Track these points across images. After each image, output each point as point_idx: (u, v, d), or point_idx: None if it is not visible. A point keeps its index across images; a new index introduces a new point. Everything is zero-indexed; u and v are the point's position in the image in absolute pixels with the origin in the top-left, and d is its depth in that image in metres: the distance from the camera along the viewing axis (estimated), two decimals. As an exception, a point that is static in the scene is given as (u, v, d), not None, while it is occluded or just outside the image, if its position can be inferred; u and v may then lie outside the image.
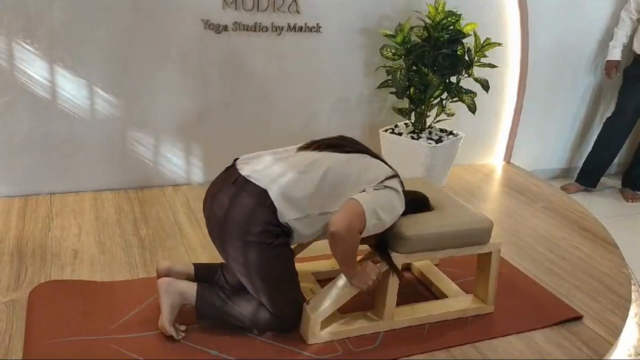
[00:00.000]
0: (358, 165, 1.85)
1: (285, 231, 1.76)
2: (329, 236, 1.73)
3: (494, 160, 3.92)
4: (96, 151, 2.87)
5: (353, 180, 1.80)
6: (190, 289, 1.84)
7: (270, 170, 1.79)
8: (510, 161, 3.93)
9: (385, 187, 1.81)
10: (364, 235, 1.76)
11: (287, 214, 1.73)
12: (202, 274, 1.97)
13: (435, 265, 2.36)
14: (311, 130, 3.28)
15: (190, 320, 1.88)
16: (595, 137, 4.09)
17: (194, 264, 2.00)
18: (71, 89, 2.72)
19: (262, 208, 1.72)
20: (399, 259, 1.88)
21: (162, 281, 1.82)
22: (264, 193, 1.73)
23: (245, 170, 1.80)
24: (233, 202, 1.75)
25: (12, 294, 2.02)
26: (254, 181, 1.76)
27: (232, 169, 1.86)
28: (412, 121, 3.27)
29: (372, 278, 1.84)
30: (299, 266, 1.90)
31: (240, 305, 1.84)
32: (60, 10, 2.58)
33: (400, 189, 1.87)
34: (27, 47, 2.58)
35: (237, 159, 1.90)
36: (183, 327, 1.84)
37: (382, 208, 1.76)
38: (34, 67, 2.62)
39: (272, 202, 1.72)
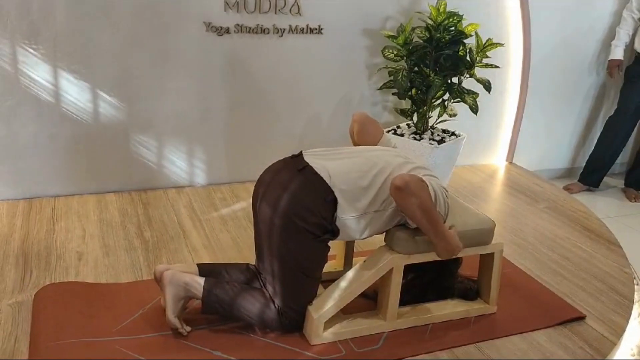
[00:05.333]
0: (419, 170, 1.92)
1: (334, 230, 1.82)
2: (396, 194, 1.73)
3: (497, 160, 3.92)
4: (100, 154, 2.88)
5: None
6: (195, 282, 1.84)
7: (337, 169, 1.84)
8: (513, 161, 3.93)
9: (444, 193, 1.91)
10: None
11: (345, 212, 1.80)
12: (206, 274, 1.97)
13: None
14: (313, 132, 3.29)
15: (192, 322, 1.89)
16: (597, 137, 4.09)
17: (198, 264, 2.00)
18: (75, 92, 2.73)
19: (324, 203, 1.79)
20: (400, 260, 1.89)
21: (167, 273, 1.84)
22: (328, 190, 1.79)
23: (314, 163, 1.85)
24: (297, 188, 1.80)
25: (17, 296, 2.03)
26: (321, 175, 1.80)
27: (299, 157, 1.90)
28: (414, 122, 3.27)
29: (458, 243, 1.85)
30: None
31: (247, 300, 1.86)
32: (64, 14, 2.60)
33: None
34: (31, 50, 2.60)
35: (301, 151, 1.95)
36: (188, 328, 1.85)
37: (439, 199, 1.85)
38: (37, 71, 2.64)
39: (334, 199, 1.78)
